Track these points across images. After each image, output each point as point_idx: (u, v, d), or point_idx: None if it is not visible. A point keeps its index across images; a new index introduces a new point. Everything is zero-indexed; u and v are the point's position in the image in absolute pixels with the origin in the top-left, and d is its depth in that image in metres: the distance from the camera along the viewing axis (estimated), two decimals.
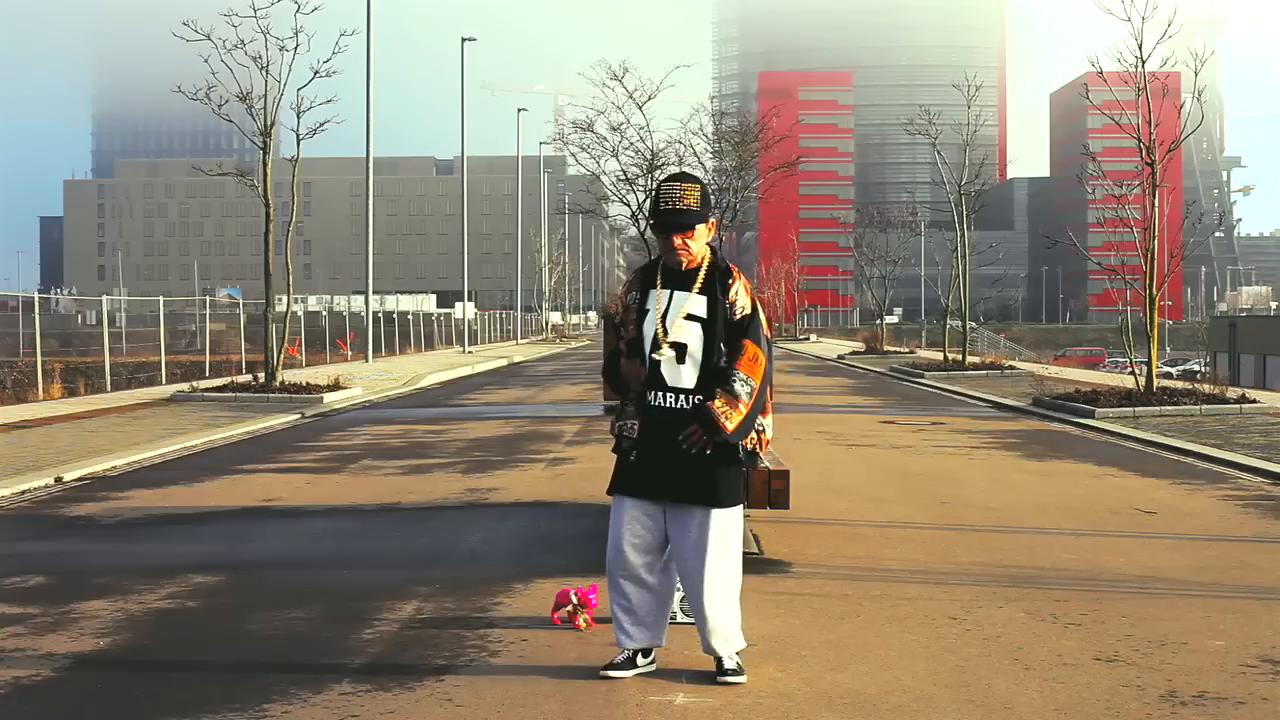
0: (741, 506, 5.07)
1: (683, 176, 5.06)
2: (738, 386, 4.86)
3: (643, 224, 26.28)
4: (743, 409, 4.86)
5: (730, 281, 4.99)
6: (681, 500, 4.92)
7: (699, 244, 4.98)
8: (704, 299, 4.95)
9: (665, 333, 4.92)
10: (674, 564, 5.07)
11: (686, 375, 4.91)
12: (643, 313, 5.01)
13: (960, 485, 11.01)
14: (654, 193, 5.04)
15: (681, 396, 4.91)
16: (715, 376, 4.88)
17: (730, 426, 4.83)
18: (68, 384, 26.14)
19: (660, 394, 4.93)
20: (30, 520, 9.45)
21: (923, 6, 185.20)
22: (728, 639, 4.99)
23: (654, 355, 4.93)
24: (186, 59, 22.11)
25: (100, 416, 17.83)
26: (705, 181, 5.42)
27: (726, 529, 4.96)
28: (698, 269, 5.00)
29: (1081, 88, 23.94)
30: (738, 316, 4.95)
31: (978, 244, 41.88)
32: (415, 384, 27.35)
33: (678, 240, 4.94)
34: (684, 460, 4.87)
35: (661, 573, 5.06)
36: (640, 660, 5.08)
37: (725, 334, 4.93)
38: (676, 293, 4.97)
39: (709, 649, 5.02)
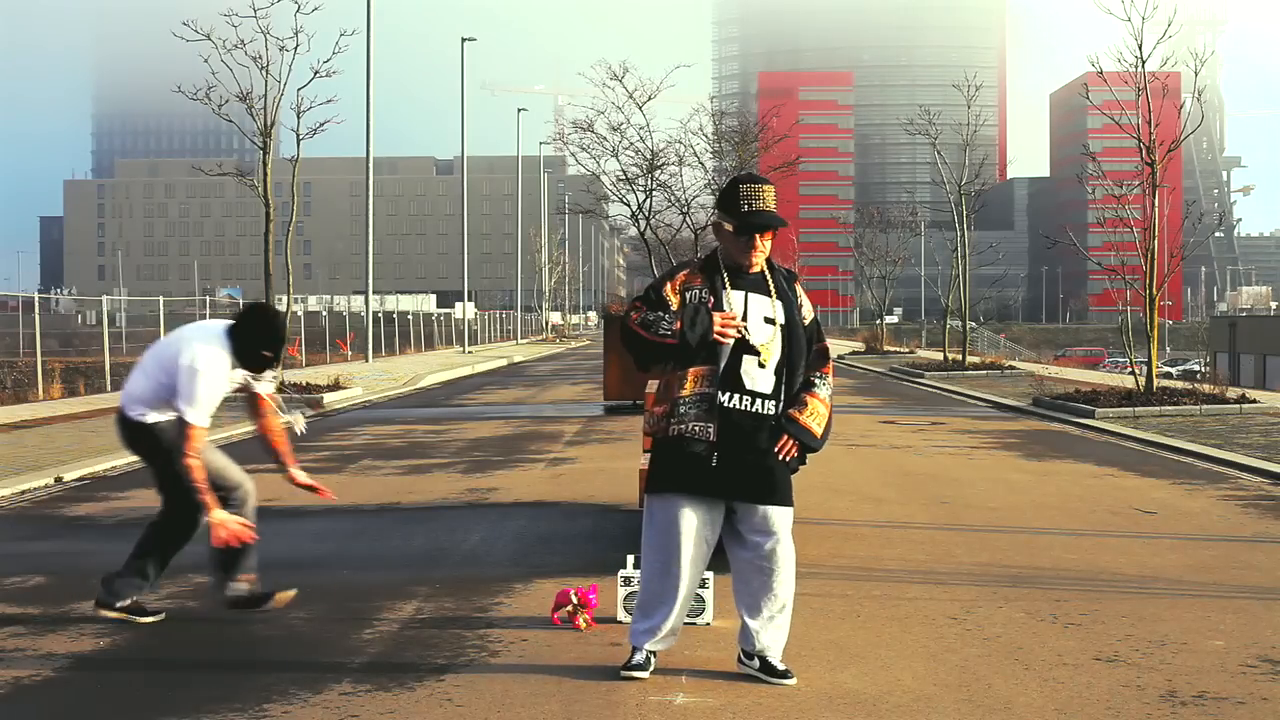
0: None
1: (757, 178, 5.05)
2: (823, 390, 5.00)
3: (643, 224, 26.32)
4: (825, 411, 4.99)
5: (797, 284, 5.07)
6: (761, 500, 4.90)
7: (769, 246, 5.01)
8: (780, 303, 4.96)
9: (750, 335, 4.88)
10: (703, 564, 5.05)
11: (765, 380, 4.90)
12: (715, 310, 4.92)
13: (960, 485, 11.02)
14: (727, 192, 4.99)
15: (760, 400, 4.89)
16: (798, 380, 4.95)
17: (819, 433, 4.98)
18: (68, 384, 26.12)
19: (738, 396, 4.87)
20: (30, 520, 9.45)
21: (923, 6, 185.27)
22: (786, 638, 5.07)
23: (747, 356, 4.86)
24: (186, 59, 22.11)
25: (100, 416, 17.83)
26: None
27: (790, 526, 5.04)
28: (763, 272, 5.01)
29: (1081, 88, 23.95)
30: (809, 320, 5.03)
31: (978, 244, 41.88)
32: (415, 384, 27.36)
33: (759, 241, 4.94)
34: (756, 461, 4.88)
35: (696, 572, 5.05)
36: (653, 660, 5.09)
37: (805, 344, 4.97)
38: (751, 295, 4.95)
39: (767, 649, 5.00)
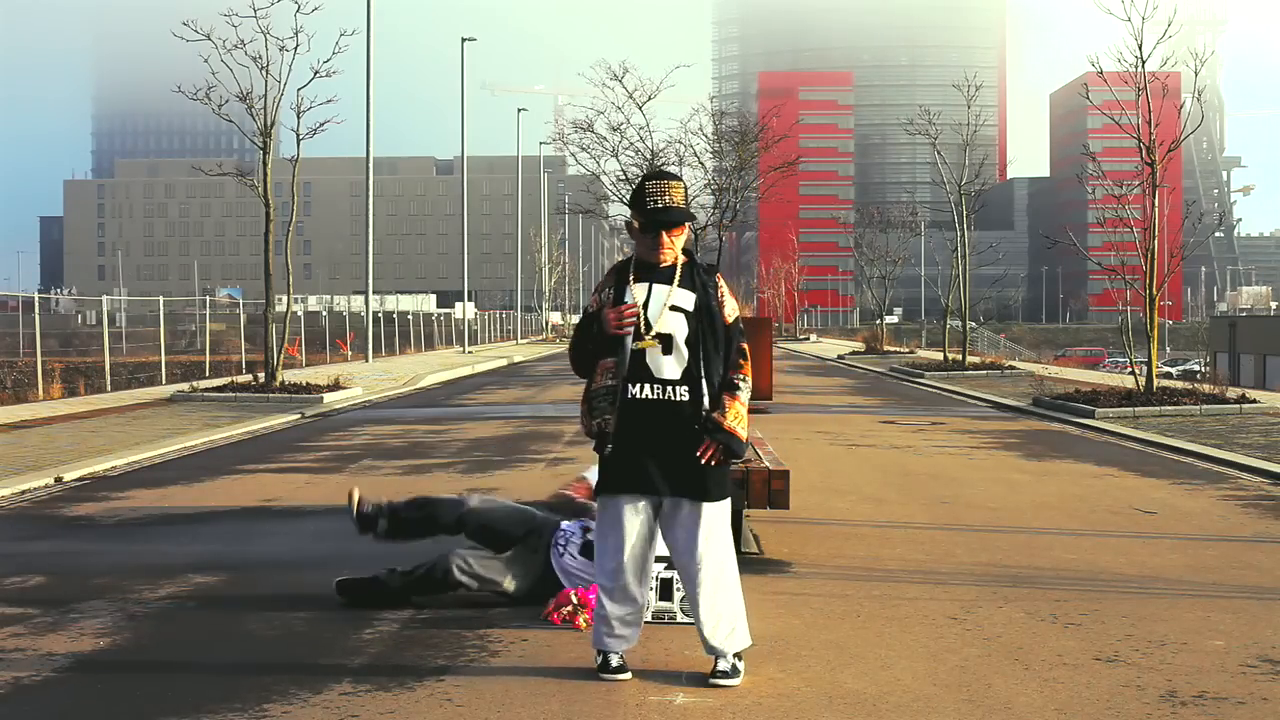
0: (729, 500, 5.04)
1: (666, 174, 5.06)
2: (743, 390, 4.97)
3: None
4: (741, 408, 4.94)
5: (718, 281, 5.05)
6: (676, 494, 4.90)
7: (680, 241, 5.00)
8: (689, 293, 4.95)
9: (648, 325, 4.90)
10: (649, 562, 5.07)
11: (670, 366, 4.90)
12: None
13: (960, 485, 11.02)
14: (635, 190, 5.02)
15: (667, 387, 4.90)
16: (715, 380, 4.92)
17: (742, 433, 4.93)
18: (68, 384, 26.14)
19: (643, 385, 4.90)
20: (30, 520, 9.44)
21: (923, 6, 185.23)
22: (730, 636, 4.96)
23: (635, 346, 4.89)
24: (186, 59, 22.12)
25: (100, 416, 17.84)
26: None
27: (721, 522, 4.96)
28: (674, 265, 5.01)
29: (1081, 88, 23.95)
30: (730, 319, 4.99)
31: (978, 244, 41.88)
32: (415, 384, 27.36)
33: (664, 237, 4.94)
34: (676, 453, 4.86)
35: (646, 570, 5.07)
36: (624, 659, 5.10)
37: (723, 335, 4.94)
38: (655, 285, 4.96)
39: (711, 649, 4.98)
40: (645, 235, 4.96)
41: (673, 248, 4.97)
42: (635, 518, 4.96)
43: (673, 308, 4.92)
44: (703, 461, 4.85)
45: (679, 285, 4.95)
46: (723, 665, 4.97)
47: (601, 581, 5.08)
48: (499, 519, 6.33)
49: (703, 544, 4.91)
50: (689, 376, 4.90)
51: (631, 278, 4.99)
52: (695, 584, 4.94)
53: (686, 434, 4.87)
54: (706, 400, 4.90)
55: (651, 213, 4.92)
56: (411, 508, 6.44)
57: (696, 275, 5.00)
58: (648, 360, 4.89)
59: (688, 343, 4.91)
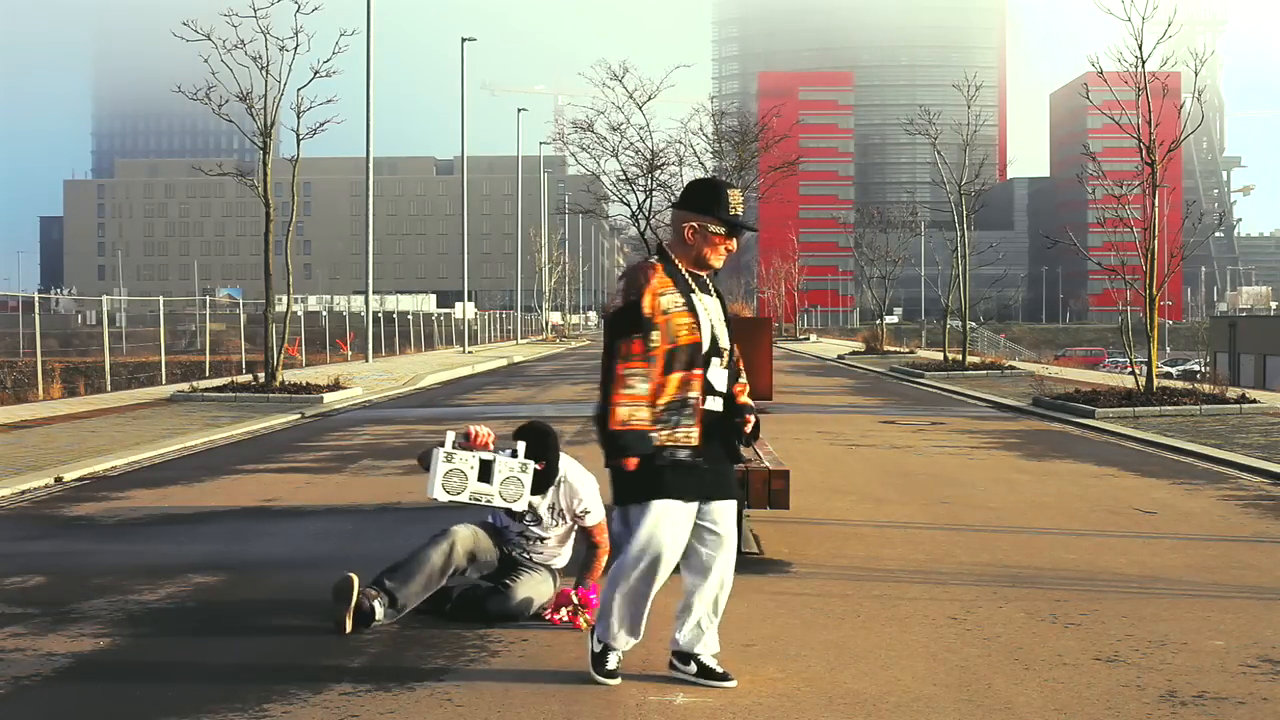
0: None
1: (733, 185, 5.16)
2: (745, 376, 5.14)
3: (643, 224, 26.32)
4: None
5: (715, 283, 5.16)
6: (723, 497, 4.96)
7: None
8: (719, 303, 5.04)
9: (718, 338, 4.94)
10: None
11: (725, 379, 4.97)
12: (697, 317, 4.88)
13: (960, 485, 11.02)
14: (714, 194, 4.94)
15: (721, 399, 4.96)
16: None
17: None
18: (68, 384, 26.15)
19: (712, 398, 4.93)
20: (30, 520, 9.44)
21: (923, 6, 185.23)
22: (715, 638, 5.06)
23: (715, 359, 4.90)
24: (186, 59, 22.12)
25: (100, 416, 17.83)
26: None
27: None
28: (706, 276, 5.08)
29: (1081, 88, 23.95)
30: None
31: (978, 244, 41.89)
32: (415, 384, 27.36)
33: (735, 246, 5.02)
34: (724, 459, 4.96)
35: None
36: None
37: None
38: (707, 297, 4.99)
39: (709, 647, 4.99)
40: (726, 239, 4.96)
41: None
42: (687, 523, 4.93)
43: (726, 320, 5.04)
44: (747, 430, 4.99)
45: (714, 294, 5.04)
46: (717, 666, 4.98)
47: (639, 585, 4.91)
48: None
49: (730, 541, 4.99)
50: (728, 387, 5.00)
51: (693, 286, 4.95)
52: (720, 585, 4.95)
53: (730, 439, 4.97)
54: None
55: (734, 219, 4.95)
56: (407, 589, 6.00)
57: (715, 282, 5.11)
58: (710, 374, 4.90)
59: (730, 353, 5.02)
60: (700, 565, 4.97)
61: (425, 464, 5.96)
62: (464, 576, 6.14)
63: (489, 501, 5.85)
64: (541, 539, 6.19)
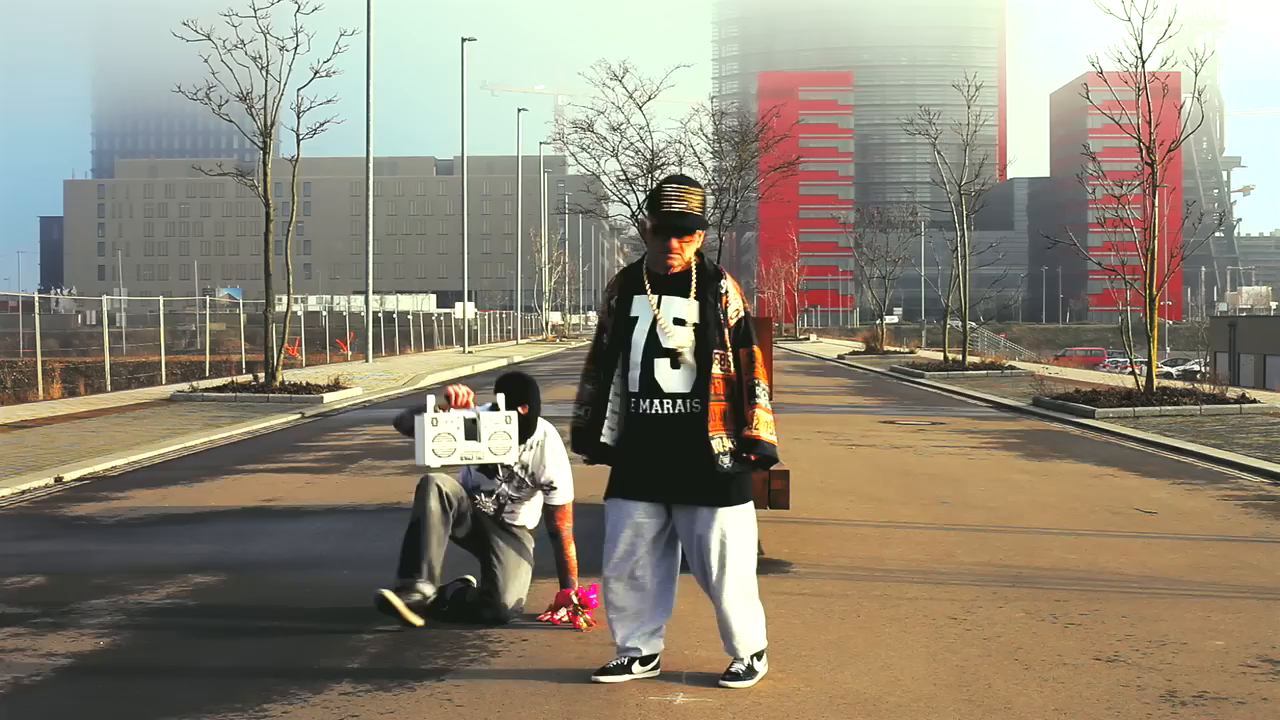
0: (752, 504, 5.02)
1: (685, 179, 5.01)
2: (762, 397, 4.93)
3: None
4: (770, 418, 4.95)
5: (721, 285, 4.97)
6: (693, 503, 4.90)
7: (692, 250, 4.96)
8: (696, 304, 4.93)
9: (662, 339, 4.90)
10: (665, 565, 5.05)
11: (680, 380, 4.90)
12: (629, 320, 4.95)
13: (960, 485, 11.02)
14: (654, 191, 4.98)
15: (678, 401, 4.88)
16: (735, 389, 4.91)
17: (771, 438, 4.95)
18: (68, 384, 26.16)
19: (656, 401, 4.89)
20: (30, 520, 9.44)
21: (923, 6, 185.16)
22: (745, 641, 4.98)
23: (659, 360, 4.88)
24: (186, 59, 22.11)
25: (100, 416, 17.83)
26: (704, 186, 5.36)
27: (743, 525, 4.96)
28: (687, 272, 4.97)
29: (1081, 88, 23.95)
30: (733, 322, 4.95)
31: (978, 244, 41.86)
32: (415, 384, 27.35)
33: (675, 243, 4.91)
34: (689, 463, 4.85)
35: (655, 572, 5.03)
36: (638, 668, 5.05)
37: (731, 340, 4.92)
38: (665, 298, 4.93)
39: (730, 649, 5.01)
40: (656, 238, 4.92)
41: (681, 254, 4.93)
42: (644, 520, 4.95)
43: (677, 320, 4.91)
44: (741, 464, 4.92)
45: (687, 296, 4.93)
46: (736, 666, 4.97)
47: (606, 574, 5.04)
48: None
49: (727, 548, 4.91)
50: (699, 389, 4.89)
51: (647, 287, 4.96)
52: (720, 587, 4.92)
53: (699, 443, 4.86)
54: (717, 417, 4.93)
55: (666, 215, 4.88)
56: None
57: (706, 284, 4.96)
58: (657, 376, 4.89)
59: (696, 355, 4.89)
60: (699, 571, 5.00)
61: (404, 428, 5.93)
62: (462, 518, 6.06)
63: (479, 459, 5.82)
64: (513, 498, 6.15)
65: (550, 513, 6.16)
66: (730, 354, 4.91)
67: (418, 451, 5.76)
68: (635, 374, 4.91)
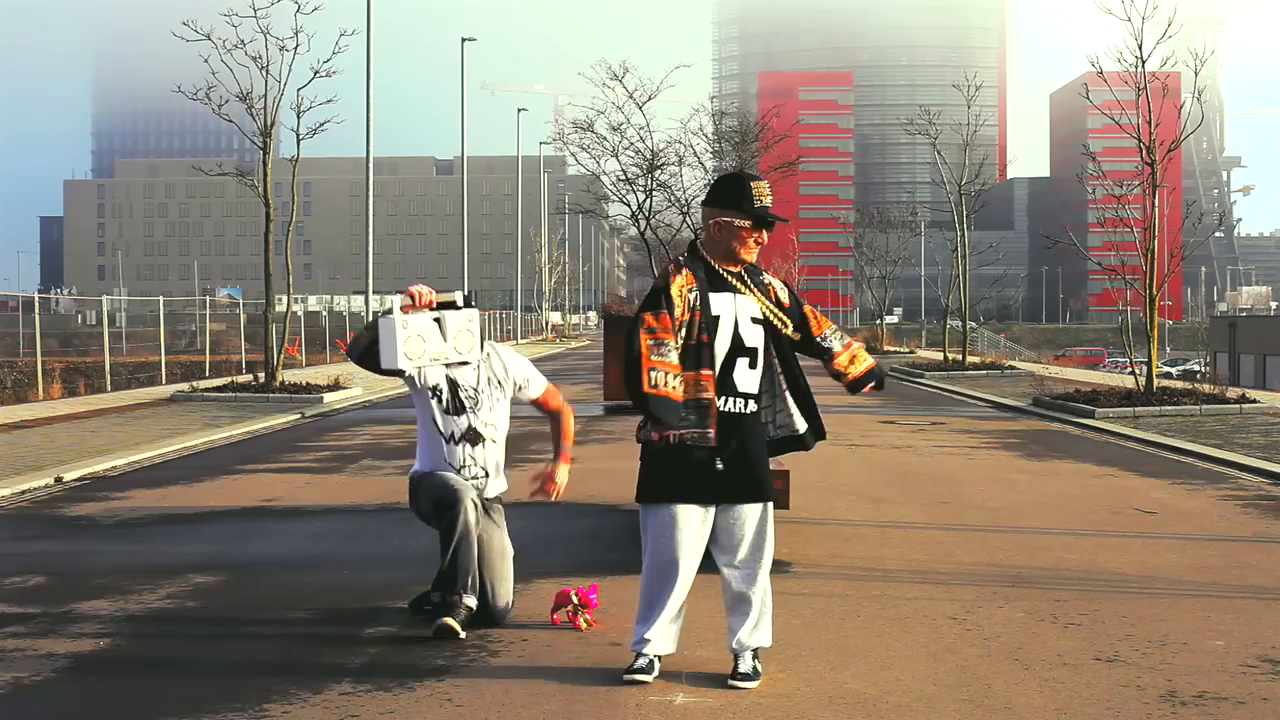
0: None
1: (760, 177, 5.07)
2: (836, 341, 5.20)
3: (643, 224, 26.34)
4: (859, 348, 5.28)
5: (763, 275, 5.09)
6: (741, 500, 4.92)
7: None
8: (757, 303, 4.98)
9: (743, 338, 4.92)
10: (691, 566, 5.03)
11: (753, 380, 4.96)
12: (712, 319, 4.88)
13: (960, 485, 11.02)
14: (733, 187, 4.93)
15: (749, 401, 4.93)
16: (813, 350, 5.15)
17: (871, 360, 5.31)
18: (68, 384, 26.15)
19: (732, 400, 4.90)
20: (30, 520, 9.45)
21: (923, 6, 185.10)
22: (766, 632, 5.04)
23: (740, 359, 4.90)
24: (186, 59, 22.11)
25: (100, 416, 17.83)
26: None
27: (772, 521, 5.02)
28: (739, 271, 5.01)
29: (1081, 88, 23.95)
30: (788, 304, 5.09)
31: (978, 244, 41.89)
32: None
33: (765, 238, 4.98)
34: (744, 460, 4.89)
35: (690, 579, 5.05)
36: (657, 665, 5.06)
37: (793, 319, 5.07)
38: (738, 296, 4.96)
39: (744, 646, 4.97)
40: (753, 232, 4.91)
41: (753, 252, 5.00)
42: (690, 525, 4.93)
43: (754, 319, 4.96)
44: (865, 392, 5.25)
45: (753, 293, 4.98)
46: (744, 666, 4.97)
47: (647, 586, 4.99)
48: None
49: (767, 545, 4.98)
50: (763, 390, 4.98)
51: (713, 285, 4.93)
52: (753, 584, 4.95)
53: (759, 440, 4.95)
54: (794, 408, 5.07)
55: (762, 210, 4.91)
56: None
57: (756, 277, 5.04)
58: (735, 375, 4.90)
59: (764, 354, 4.97)
60: (736, 568, 5.00)
61: (363, 342, 5.83)
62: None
63: (446, 359, 5.74)
64: (490, 425, 5.96)
65: (542, 405, 6.16)
66: (789, 330, 5.04)
67: (385, 355, 5.65)
68: (717, 370, 4.88)
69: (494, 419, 6.01)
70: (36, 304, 26.26)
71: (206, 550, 8.08)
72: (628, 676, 4.97)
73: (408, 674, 5.17)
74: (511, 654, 5.48)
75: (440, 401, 5.90)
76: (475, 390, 5.94)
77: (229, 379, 24.11)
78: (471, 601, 5.70)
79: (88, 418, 17.56)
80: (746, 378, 4.92)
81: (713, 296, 4.91)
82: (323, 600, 6.57)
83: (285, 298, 23.53)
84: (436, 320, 5.70)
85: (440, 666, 5.28)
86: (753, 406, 4.96)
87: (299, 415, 18.71)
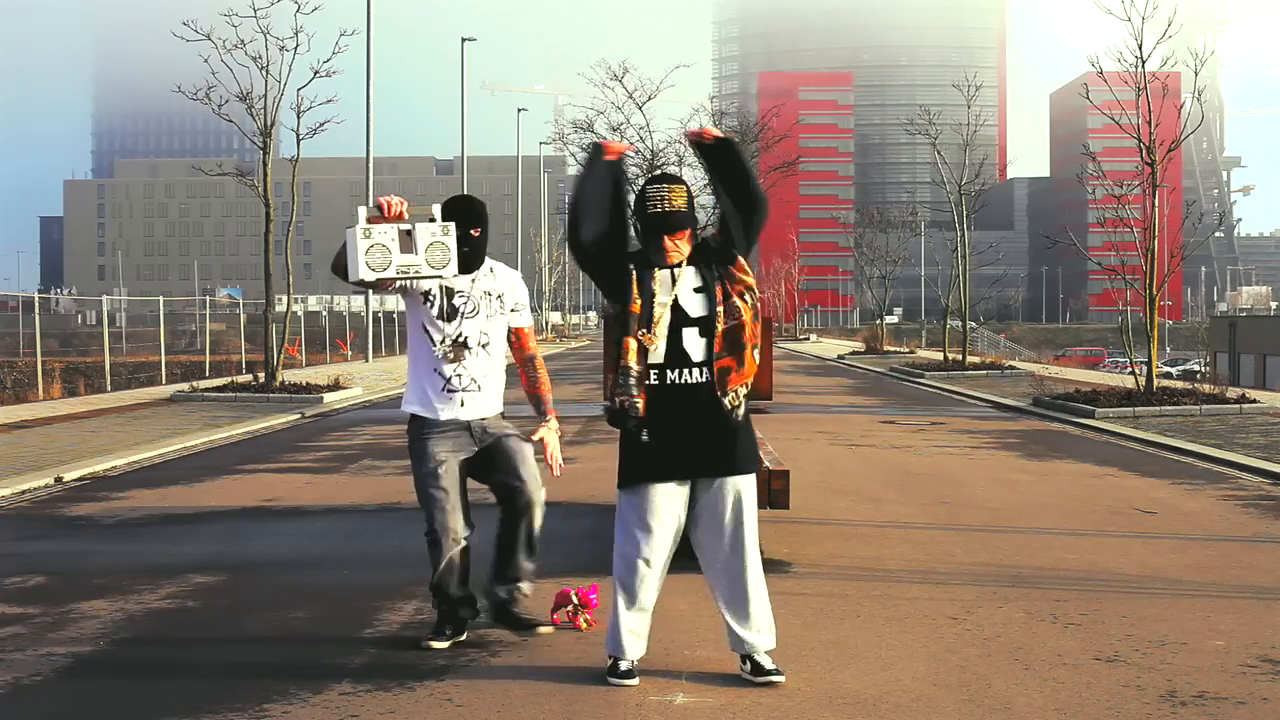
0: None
1: (667, 178, 5.02)
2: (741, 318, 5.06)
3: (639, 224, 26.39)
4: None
5: (731, 253, 5.01)
6: (714, 474, 4.87)
7: (686, 244, 4.96)
8: (708, 271, 4.95)
9: (685, 309, 4.89)
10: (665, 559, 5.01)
11: (703, 348, 4.90)
12: (649, 293, 4.91)
13: (960, 485, 11.02)
14: (638, 194, 4.98)
15: (698, 369, 4.88)
16: (735, 330, 4.99)
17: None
18: (68, 384, 26.16)
19: (683, 370, 4.87)
20: (30, 520, 9.45)
21: (923, 6, 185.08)
22: (768, 624, 4.97)
23: (687, 329, 4.87)
24: (186, 59, 22.12)
25: (100, 416, 17.84)
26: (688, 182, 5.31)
27: (754, 500, 4.95)
28: (689, 258, 5.01)
29: (1081, 88, 23.95)
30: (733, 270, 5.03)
31: (978, 244, 41.87)
32: None
33: (668, 243, 4.92)
34: (709, 433, 4.84)
35: (666, 560, 5.02)
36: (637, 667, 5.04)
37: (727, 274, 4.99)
38: (679, 268, 4.95)
39: (747, 644, 4.93)
40: (648, 241, 4.94)
41: (678, 250, 4.95)
42: (672, 505, 4.92)
43: (696, 289, 4.92)
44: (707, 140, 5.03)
45: (694, 266, 4.96)
46: (767, 662, 4.93)
47: (624, 576, 4.96)
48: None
49: (746, 519, 4.91)
50: (709, 356, 4.89)
51: (652, 263, 4.95)
52: (744, 563, 4.90)
53: (718, 413, 4.85)
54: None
55: (651, 217, 4.90)
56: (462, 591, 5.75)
57: (709, 255, 4.98)
58: (685, 345, 4.87)
59: (708, 321, 4.90)
60: (716, 557, 4.95)
61: (340, 261, 5.55)
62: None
63: (417, 273, 5.42)
64: (484, 334, 5.76)
65: (520, 338, 5.99)
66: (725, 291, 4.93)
67: (350, 266, 5.39)
68: (661, 345, 4.87)
69: (490, 329, 5.78)
70: (36, 304, 26.28)
71: (206, 550, 8.08)
72: (612, 680, 4.96)
73: (408, 674, 5.17)
74: (511, 654, 5.48)
75: (433, 306, 5.62)
76: (469, 297, 5.70)
77: (229, 379, 24.12)
78: (526, 587, 5.71)
79: (88, 418, 17.56)
80: (698, 346, 4.88)
81: (647, 272, 4.93)
82: (323, 600, 6.58)
83: (285, 298, 23.52)
84: (407, 232, 5.39)
85: (440, 666, 5.28)
86: (701, 375, 4.88)
87: (299, 415, 18.71)
